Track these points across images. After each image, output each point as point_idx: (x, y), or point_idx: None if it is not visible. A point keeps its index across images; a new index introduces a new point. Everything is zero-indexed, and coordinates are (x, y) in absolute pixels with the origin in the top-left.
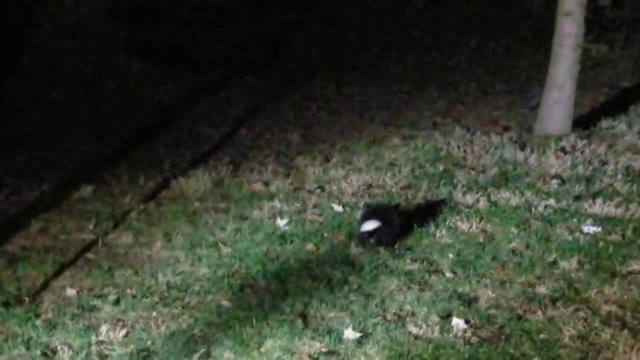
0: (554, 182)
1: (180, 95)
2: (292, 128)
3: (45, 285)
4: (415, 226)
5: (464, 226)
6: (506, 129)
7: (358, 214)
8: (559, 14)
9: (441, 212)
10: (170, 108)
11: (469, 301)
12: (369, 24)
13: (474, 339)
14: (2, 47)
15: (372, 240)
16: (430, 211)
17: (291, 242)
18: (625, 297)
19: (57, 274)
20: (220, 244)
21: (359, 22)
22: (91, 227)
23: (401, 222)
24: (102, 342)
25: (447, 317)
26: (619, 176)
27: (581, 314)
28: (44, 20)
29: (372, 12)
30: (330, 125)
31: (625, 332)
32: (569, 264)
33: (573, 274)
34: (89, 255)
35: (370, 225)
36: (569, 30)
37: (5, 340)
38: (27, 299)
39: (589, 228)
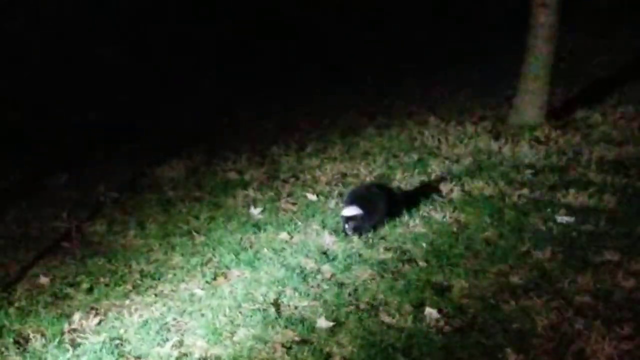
0: (528, 172)
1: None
2: (268, 117)
3: (19, 274)
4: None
5: (437, 216)
6: (481, 118)
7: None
8: (534, 5)
9: (415, 201)
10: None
11: (442, 291)
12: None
13: (446, 329)
14: None
15: (347, 226)
16: (404, 200)
17: (265, 230)
18: (599, 287)
19: (31, 262)
20: (194, 232)
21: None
22: (65, 215)
23: (387, 207)
24: (75, 330)
25: (420, 306)
26: (593, 166)
27: (554, 303)
28: None
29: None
30: (305, 115)
31: (598, 322)
32: (542, 254)
33: (546, 264)
34: (63, 243)
35: (350, 211)
36: (544, 21)
37: None
38: (0, 287)
39: (563, 218)
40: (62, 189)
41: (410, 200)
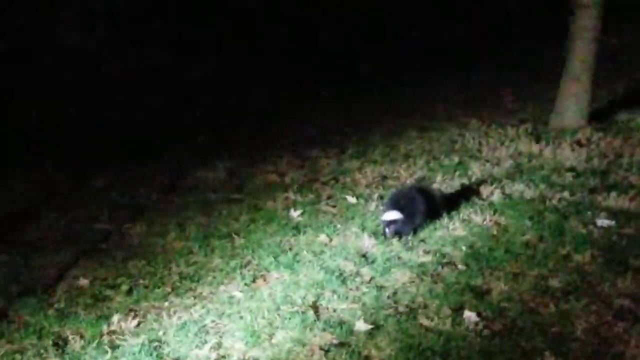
0: (569, 174)
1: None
2: (308, 120)
3: (58, 276)
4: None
5: (477, 218)
6: (522, 121)
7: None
8: (575, 6)
9: (455, 204)
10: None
11: (481, 294)
12: None
13: (485, 332)
14: None
15: (388, 230)
16: (444, 203)
17: (304, 233)
18: (638, 290)
19: (70, 264)
20: (234, 235)
21: None
22: (105, 217)
23: (428, 210)
24: (113, 331)
25: (459, 309)
26: (634, 169)
27: (594, 307)
28: None
29: None
30: (345, 117)
31: (638, 325)
32: (582, 257)
33: (586, 267)
34: (103, 245)
35: (391, 216)
36: (585, 23)
37: (17, 330)
38: (40, 289)
39: (603, 221)
40: (102, 191)
41: (450, 202)
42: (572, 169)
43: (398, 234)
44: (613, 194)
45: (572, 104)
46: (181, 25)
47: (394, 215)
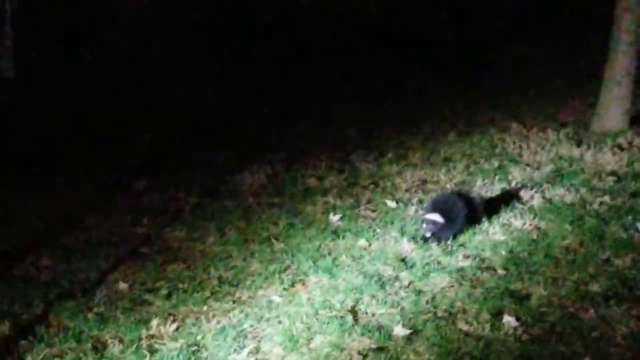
0: (610, 179)
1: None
2: (348, 123)
3: (98, 279)
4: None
5: (517, 223)
6: (563, 125)
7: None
8: (617, 10)
9: (495, 208)
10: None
11: (521, 299)
12: None
13: (524, 337)
14: None
15: (425, 227)
16: (484, 208)
17: (343, 237)
18: None
19: (110, 268)
20: (273, 239)
21: None
22: (145, 221)
23: (468, 216)
24: (152, 336)
25: (498, 314)
26: None
27: (634, 312)
28: None
29: None
30: (385, 121)
31: None
32: (622, 262)
33: (627, 272)
34: (143, 249)
35: (432, 216)
36: (627, 26)
37: (57, 334)
38: (80, 292)
39: None
40: (142, 195)
41: (490, 207)
42: (613, 173)
43: (436, 236)
44: None
45: (613, 107)
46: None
47: (436, 216)
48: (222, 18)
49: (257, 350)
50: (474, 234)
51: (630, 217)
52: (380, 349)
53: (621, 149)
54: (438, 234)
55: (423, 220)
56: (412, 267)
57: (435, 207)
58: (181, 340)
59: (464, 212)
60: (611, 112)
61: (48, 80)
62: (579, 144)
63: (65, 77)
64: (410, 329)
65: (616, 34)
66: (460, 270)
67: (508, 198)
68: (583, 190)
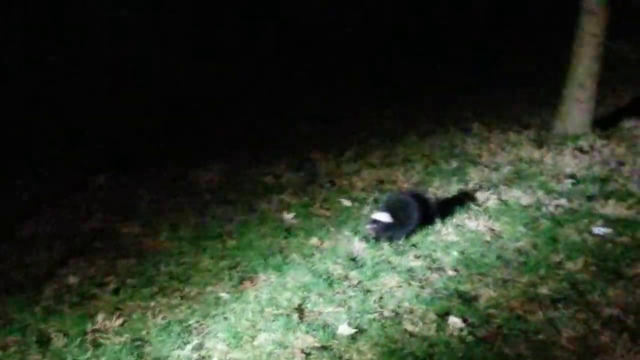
0: (568, 181)
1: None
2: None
3: (49, 273)
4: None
5: (471, 224)
6: (526, 126)
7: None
8: (581, 12)
9: (450, 209)
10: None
11: (469, 300)
12: None
13: (469, 338)
14: None
15: (370, 227)
16: (438, 209)
17: (296, 235)
18: (629, 300)
19: (62, 262)
20: (225, 236)
21: None
22: (100, 216)
23: (421, 217)
24: (97, 330)
25: (444, 315)
26: (635, 177)
27: (581, 315)
28: None
29: None
30: (346, 120)
31: (625, 335)
32: (574, 265)
33: (578, 275)
34: (96, 244)
35: (380, 216)
36: (590, 29)
37: (3, 326)
38: (29, 285)
39: (599, 229)
40: (100, 190)
41: (445, 208)
42: (572, 176)
43: (389, 238)
44: (611, 201)
45: (575, 110)
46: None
47: (382, 216)
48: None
49: (200, 346)
50: (427, 234)
51: (586, 220)
52: (323, 347)
53: (582, 151)
54: (383, 234)
55: (369, 220)
56: (362, 266)
57: (387, 207)
58: (126, 335)
59: (417, 213)
60: (573, 115)
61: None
62: (540, 146)
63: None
64: (355, 328)
65: (580, 36)
66: (410, 270)
67: (464, 199)
68: (540, 193)
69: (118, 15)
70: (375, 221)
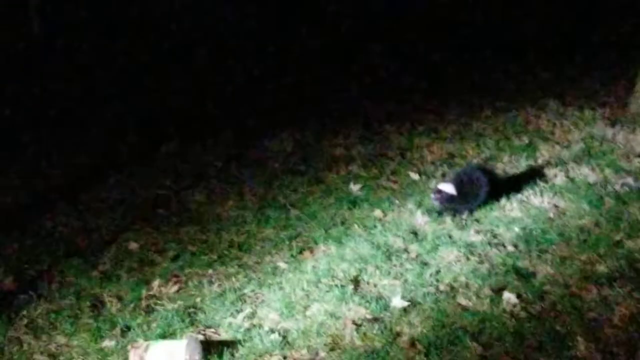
0: (637, 160)
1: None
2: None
3: (111, 238)
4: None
5: (536, 200)
6: (602, 104)
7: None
8: None
9: (516, 185)
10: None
11: (526, 276)
12: None
13: (522, 314)
14: None
15: (433, 197)
16: (505, 184)
17: (360, 207)
18: None
19: (125, 227)
20: (289, 206)
21: None
22: (168, 183)
23: (488, 193)
24: (152, 296)
25: (499, 290)
26: None
27: (637, 295)
28: None
29: None
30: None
31: None
32: (634, 244)
33: (636, 254)
34: (160, 210)
35: (444, 187)
36: None
37: (58, 290)
38: (89, 250)
39: None
40: (169, 158)
41: (512, 184)
42: None
43: (453, 212)
44: None
45: None
46: None
47: (448, 187)
48: None
49: (253, 315)
50: (491, 209)
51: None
52: (375, 319)
53: None
54: (447, 206)
55: (435, 189)
56: (422, 240)
57: (454, 180)
58: (179, 302)
59: (483, 191)
60: None
61: None
62: (613, 124)
63: None
64: (408, 301)
65: None
66: (470, 245)
67: (532, 175)
68: (608, 171)
69: None
70: (439, 191)
